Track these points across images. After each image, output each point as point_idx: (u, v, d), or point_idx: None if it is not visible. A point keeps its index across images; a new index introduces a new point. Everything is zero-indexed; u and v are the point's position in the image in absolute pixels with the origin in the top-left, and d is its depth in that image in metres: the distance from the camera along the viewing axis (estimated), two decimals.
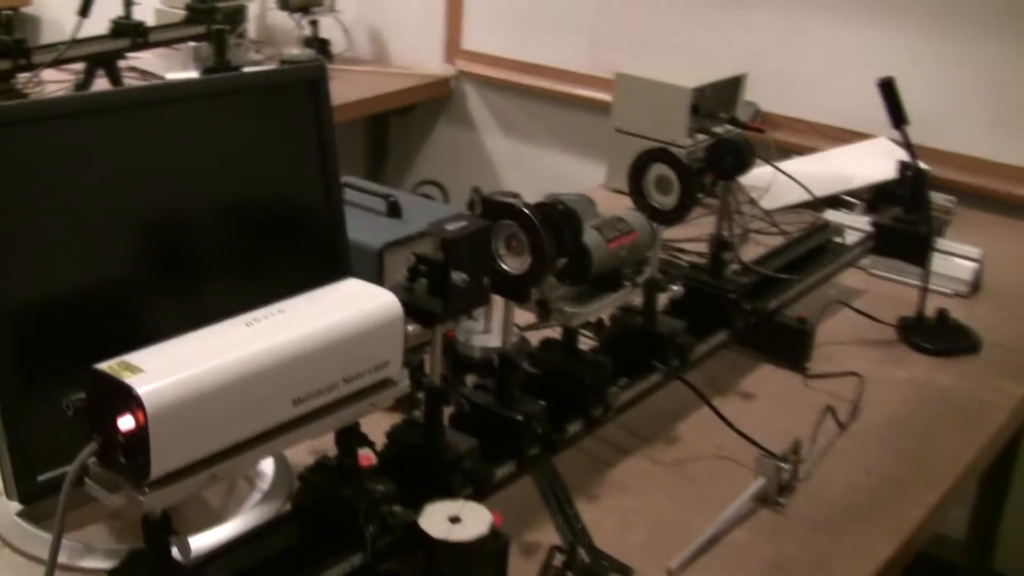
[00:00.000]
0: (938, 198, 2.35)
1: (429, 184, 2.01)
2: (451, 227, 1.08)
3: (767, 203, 2.31)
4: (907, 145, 1.71)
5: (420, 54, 3.42)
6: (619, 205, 2.21)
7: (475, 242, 1.09)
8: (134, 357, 0.86)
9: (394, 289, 1.04)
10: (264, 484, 1.30)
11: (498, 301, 1.22)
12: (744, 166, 1.51)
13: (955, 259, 2.00)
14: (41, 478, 1.10)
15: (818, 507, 1.34)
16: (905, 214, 2.01)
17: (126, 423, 0.82)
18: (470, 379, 1.42)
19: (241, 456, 0.91)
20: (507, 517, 1.13)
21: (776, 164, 2.33)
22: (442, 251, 1.06)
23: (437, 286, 1.07)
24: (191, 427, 0.85)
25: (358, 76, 3.35)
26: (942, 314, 1.80)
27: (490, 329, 1.51)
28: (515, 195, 2.09)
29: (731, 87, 2.40)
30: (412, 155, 3.55)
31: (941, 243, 2.03)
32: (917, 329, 1.79)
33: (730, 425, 1.45)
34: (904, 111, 1.68)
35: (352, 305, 0.99)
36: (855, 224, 2.06)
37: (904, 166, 2.28)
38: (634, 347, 1.43)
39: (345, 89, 3.21)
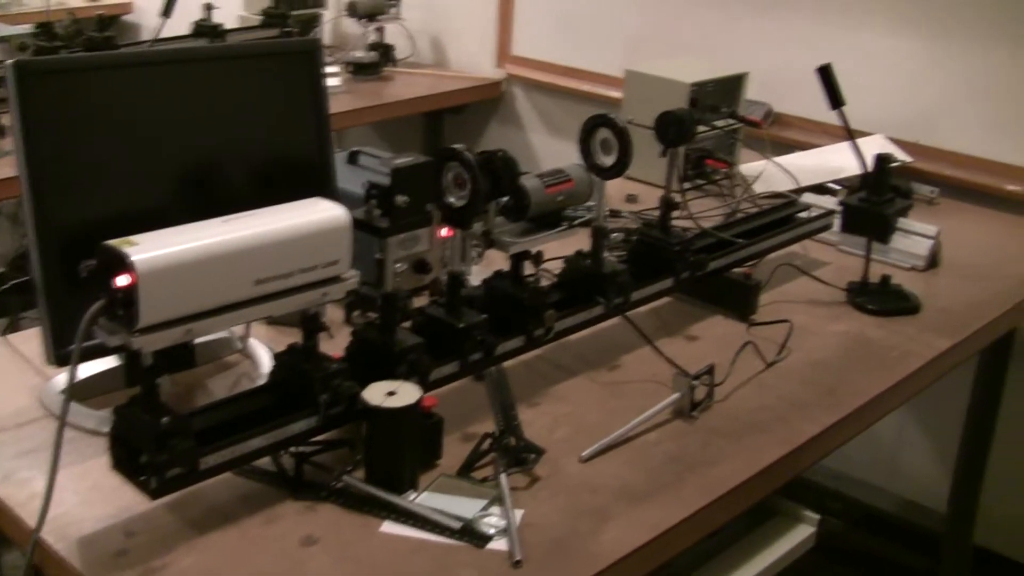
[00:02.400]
0: (922, 188, 2.59)
1: None
2: (400, 161, 1.36)
3: (759, 188, 2.55)
4: (845, 126, 1.94)
5: (475, 59, 3.72)
6: (624, 187, 2.49)
7: (418, 173, 1.37)
8: (135, 237, 1.15)
9: (355, 211, 1.32)
10: (262, 378, 1.59)
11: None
12: (685, 136, 1.76)
13: (913, 236, 2.22)
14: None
15: (726, 420, 1.58)
16: (870, 195, 2.24)
17: (122, 281, 1.12)
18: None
19: (211, 319, 1.19)
20: (456, 413, 1.41)
21: (769, 156, 2.58)
22: (391, 179, 1.34)
23: (384, 207, 1.35)
24: (171, 290, 1.14)
25: (418, 78, 3.65)
26: (884, 280, 2.02)
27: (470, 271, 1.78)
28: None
29: (734, 84, 2.65)
30: None
31: (903, 223, 2.25)
32: (861, 292, 2.02)
33: (656, 349, 1.71)
34: (840, 94, 1.91)
35: (311, 213, 1.28)
36: (825, 205, 2.29)
37: (882, 159, 2.51)
38: (582, 285, 1.69)
39: (405, 88, 3.53)
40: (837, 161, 2.65)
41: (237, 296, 1.21)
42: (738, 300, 1.91)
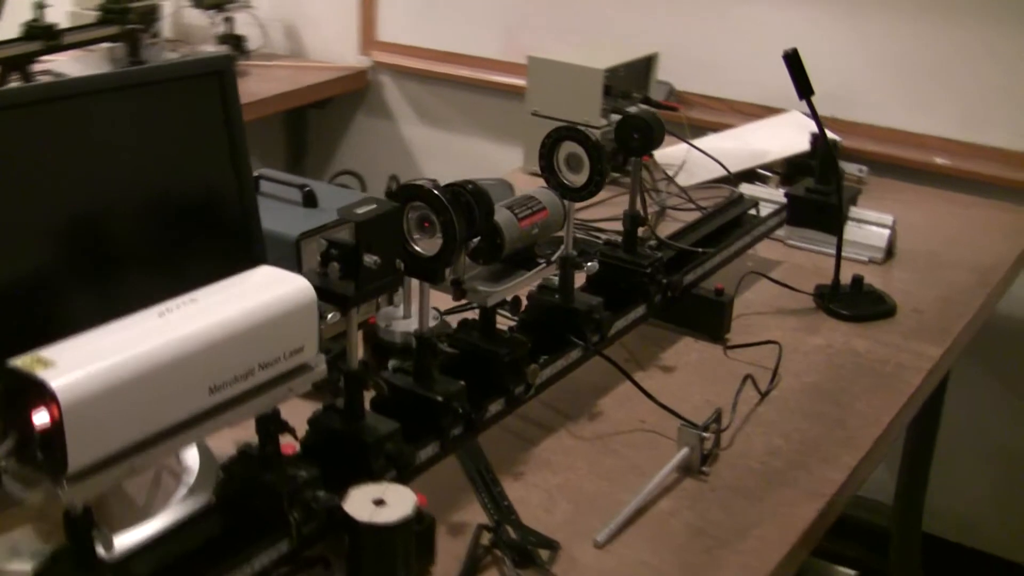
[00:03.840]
0: (850, 168, 2.41)
1: (346, 174, 2.01)
2: (361, 210, 1.08)
3: (683, 180, 2.34)
4: (814, 116, 1.74)
5: (336, 47, 3.41)
6: (534, 184, 2.25)
7: (385, 224, 1.10)
8: (47, 351, 0.86)
9: (307, 275, 1.04)
10: (190, 478, 1.29)
11: (415, 285, 1.23)
12: (652, 143, 1.54)
13: (868, 227, 2.04)
14: None
15: (740, 473, 1.37)
16: (817, 184, 2.06)
17: (40, 418, 0.82)
18: (392, 364, 1.43)
19: (158, 447, 0.91)
20: (433, 498, 1.15)
21: (691, 141, 2.37)
22: (353, 234, 1.07)
23: (349, 269, 1.07)
24: (106, 419, 0.85)
25: (274, 71, 3.33)
26: (857, 281, 1.84)
27: (410, 314, 1.51)
28: (433, 181, 2.11)
29: (643, 67, 2.43)
30: (332, 148, 3.54)
31: (854, 211, 2.07)
32: (833, 296, 1.83)
33: (650, 397, 1.47)
34: (809, 82, 1.71)
35: (265, 291, 1.00)
36: (770, 197, 2.09)
37: (814, 138, 2.33)
38: (552, 324, 1.45)
39: (262, 84, 3.19)
40: (759, 143, 2.47)
41: (188, 411, 0.93)
42: (710, 319, 1.69)
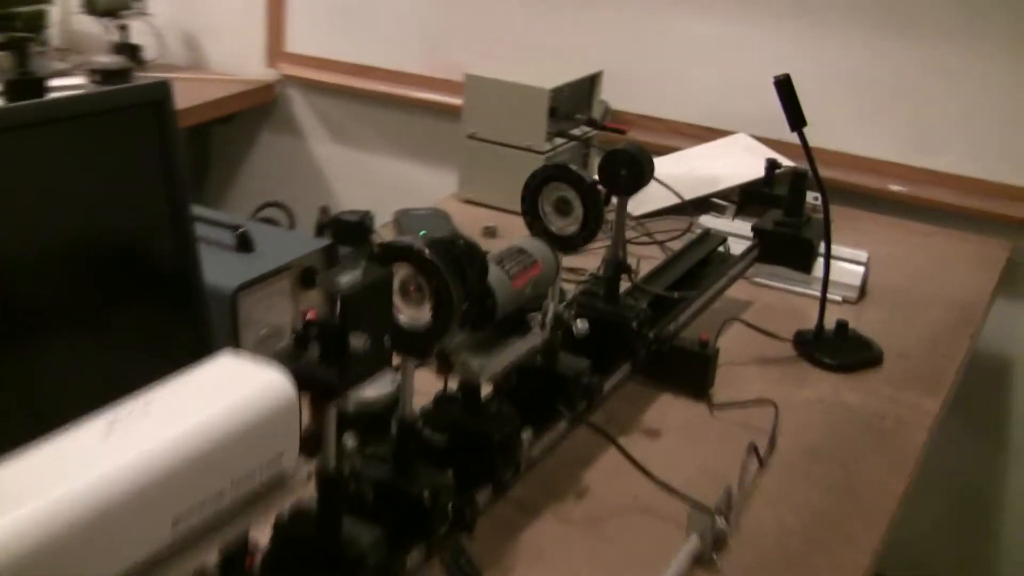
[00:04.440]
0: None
1: (272, 207, 1.81)
2: (345, 279, 0.89)
3: (632, 209, 2.18)
4: (805, 148, 1.59)
5: (240, 58, 3.17)
6: (475, 217, 2.07)
7: (374, 296, 0.90)
8: None
9: (278, 358, 0.84)
10: None
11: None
12: (642, 180, 1.36)
13: (842, 264, 1.90)
14: None
15: (755, 560, 1.20)
16: (786, 218, 1.91)
17: None
18: (348, 438, 1.23)
19: None
20: None
21: None
22: (339, 310, 0.87)
23: (333, 353, 0.88)
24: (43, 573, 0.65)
25: (175, 84, 3.07)
26: (841, 326, 1.69)
27: None
28: (365, 213, 1.91)
29: (587, 86, 2.26)
30: (237, 169, 3.30)
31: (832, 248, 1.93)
32: (816, 343, 1.68)
33: (648, 475, 1.30)
34: (802, 112, 1.55)
35: (232, 390, 0.79)
36: (734, 230, 1.94)
37: (771, 164, 2.19)
38: (536, 391, 1.26)
39: None
40: (709, 168, 2.32)
41: (147, 551, 0.72)
42: (693, 374, 1.52)
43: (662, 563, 1.15)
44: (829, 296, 1.86)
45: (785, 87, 1.52)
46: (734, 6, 2.48)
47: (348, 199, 3.04)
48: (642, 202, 2.19)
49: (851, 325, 1.72)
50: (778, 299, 1.88)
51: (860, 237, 2.09)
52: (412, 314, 0.98)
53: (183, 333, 1.14)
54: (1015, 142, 2.30)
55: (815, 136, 2.46)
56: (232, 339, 1.30)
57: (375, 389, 1.19)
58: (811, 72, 2.45)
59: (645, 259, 1.74)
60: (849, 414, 1.53)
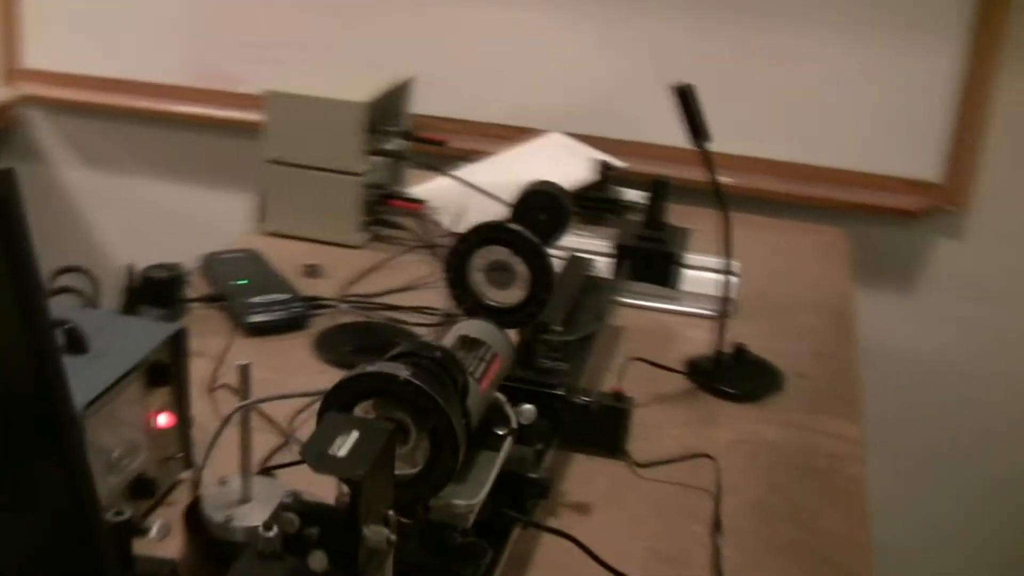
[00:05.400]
0: (630, 195, 2.11)
1: (70, 271, 1.49)
2: (342, 451, 0.64)
3: (458, 226, 1.97)
4: (708, 164, 1.41)
5: None
6: (290, 253, 1.80)
7: (379, 468, 0.66)
8: None
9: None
10: None
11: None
12: (563, 224, 1.16)
13: (707, 274, 1.76)
14: None
15: None
16: (648, 230, 1.75)
17: None
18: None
19: None
20: None
21: (461, 178, 2.01)
22: (349, 500, 0.63)
23: (341, 554, 0.63)
24: None
25: None
26: (740, 350, 1.55)
27: (251, 494, 1.06)
28: (175, 266, 1.62)
29: (398, 95, 2.03)
30: None
31: (697, 259, 1.78)
32: (715, 373, 1.52)
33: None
34: (705, 125, 1.38)
35: None
36: (591, 247, 1.77)
37: (603, 166, 2.03)
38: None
39: None
40: (532, 173, 2.11)
41: None
42: (608, 431, 1.34)
43: None
44: (699, 311, 1.73)
45: (686, 97, 1.34)
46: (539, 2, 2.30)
47: (117, 241, 2.67)
48: (475, 216, 1.98)
49: (732, 342, 1.58)
50: (647, 321, 1.72)
51: (699, 237, 1.95)
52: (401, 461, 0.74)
53: (50, 477, 0.86)
54: (839, 127, 2.23)
55: (638, 130, 2.34)
56: None
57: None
58: (628, 62, 2.31)
59: None
60: (777, 454, 1.39)
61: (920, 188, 2.26)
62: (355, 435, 0.65)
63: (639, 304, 1.75)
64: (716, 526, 1.20)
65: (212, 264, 1.71)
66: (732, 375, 1.53)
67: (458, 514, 0.84)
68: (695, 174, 2.16)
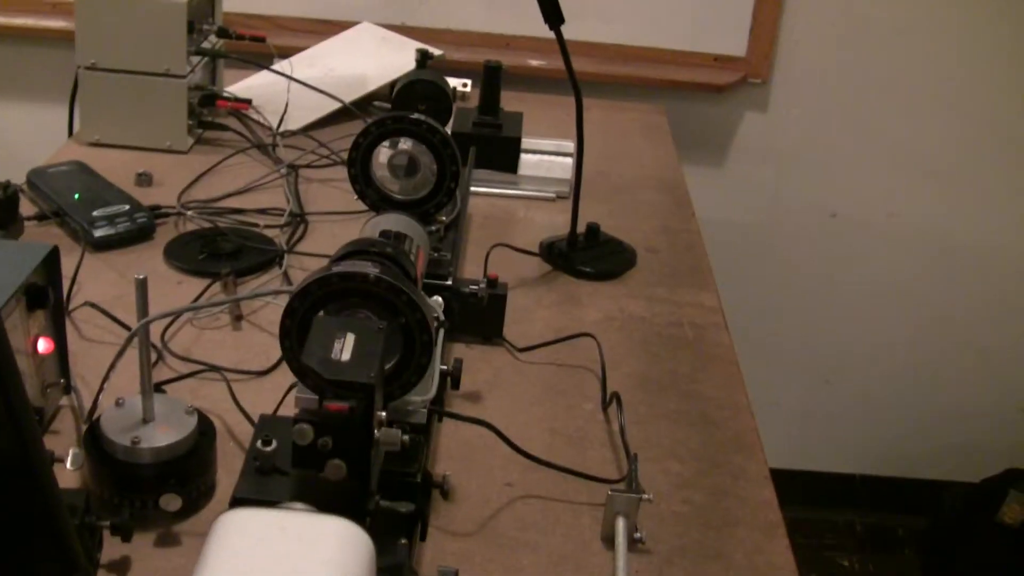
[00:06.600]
0: (452, 82, 2.11)
1: None
2: (338, 350, 0.63)
3: (286, 123, 1.92)
4: (562, 47, 1.41)
5: None
6: (119, 163, 1.72)
7: (380, 370, 0.65)
8: None
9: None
10: None
11: None
12: (446, 113, 1.14)
13: (548, 158, 1.78)
14: None
15: (673, 526, 1.08)
16: (483, 116, 1.75)
17: None
18: (170, 501, 0.95)
19: None
20: None
21: (286, 74, 1.95)
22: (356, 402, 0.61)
23: (356, 461, 0.62)
24: None
25: None
26: (593, 229, 1.57)
27: (153, 412, 1.02)
28: (5, 184, 1.51)
29: None
30: None
31: (527, 142, 1.80)
32: (572, 254, 1.55)
33: (546, 464, 1.12)
34: (560, 8, 1.38)
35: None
36: None
37: (424, 55, 2.02)
38: None
39: None
40: (351, 66, 2.09)
41: None
42: (485, 318, 1.35)
43: (588, 556, 1.00)
44: (540, 194, 1.75)
45: None
46: None
47: None
48: (297, 117, 1.93)
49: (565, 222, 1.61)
50: (490, 206, 1.72)
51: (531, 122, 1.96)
52: None
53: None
54: (651, 8, 2.27)
55: (439, 17, 2.31)
56: None
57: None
58: None
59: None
60: (646, 328, 1.43)
61: (727, 63, 2.33)
62: (352, 337, 0.63)
63: (481, 191, 1.75)
64: (611, 401, 1.22)
65: (40, 179, 1.61)
66: (587, 255, 1.55)
67: (411, 410, 0.83)
68: (503, 56, 2.18)
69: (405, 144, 0.98)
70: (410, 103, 1.13)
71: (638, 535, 1.04)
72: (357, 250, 0.75)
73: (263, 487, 0.62)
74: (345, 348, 0.61)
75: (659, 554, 1.04)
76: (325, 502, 0.58)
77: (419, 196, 0.99)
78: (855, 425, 2.77)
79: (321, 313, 0.69)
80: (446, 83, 1.16)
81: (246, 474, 0.63)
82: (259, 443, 0.64)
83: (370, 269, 0.70)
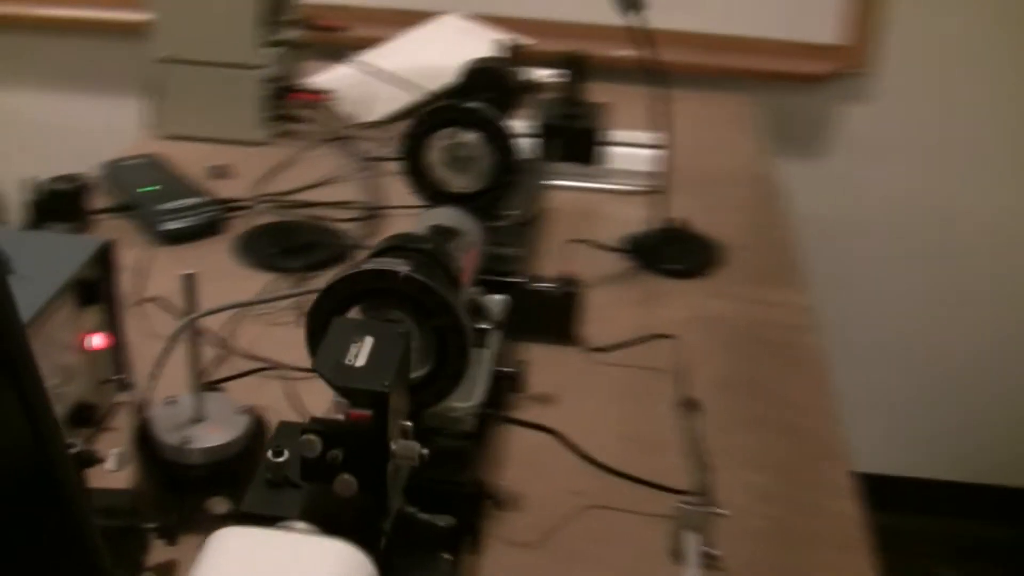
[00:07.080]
0: (538, 74, 2.04)
1: None
2: (353, 354, 0.58)
3: (366, 116, 1.88)
4: (646, 36, 1.34)
5: None
6: (194, 156, 1.70)
7: (400, 377, 0.60)
8: None
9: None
10: None
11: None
12: (513, 100, 1.09)
13: (636, 150, 1.71)
14: None
15: (749, 541, 1.01)
16: (568, 108, 1.69)
17: None
18: (218, 504, 0.91)
19: None
20: None
21: (363, 65, 1.91)
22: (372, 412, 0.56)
23: (370, 474, 0.57)
24: None
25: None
26: (678, 225, 1.51)
27: (206, 412, 0.99)
28: (76, 177, 1.50)
29: None
30: None
31: (618, 135, 1.73)
32: (657, 250, 1.48)
33: (615, 472, 1.06)
34: None
35: None
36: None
37: (515, 46, 1.95)
38: None
39: None
40: (431, 58, 2.04)
41: None
42: (558, 318, 1.29)
43: (657, 572, 0.94)
44: (627, 187, 1.69)
45: None
46: None
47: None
48: (373, 109, 1.89)
49: (666, 217, 1.54)
50: (571, 202, 1.66)
51: (627, 116, 1.89)
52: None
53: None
54: None
55: (514, 4, 2.26)
56: None
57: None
58: None
59: None
60: (731, 328, 1.35)
61: (824, 52, 2.23)
62: (369, 341, 0.58)
63: (566, 185, 1.69)
64: (689, 406, 1.16)
65: (114, 172, 1.59)
66: (673, 251, 1.49)
67: (456, 418, 0.78)
68: (592, 47, 2.11)
69: (459, 134, 0.92)
70: (474, 92, 1.07)
71: (713, 551, 0.98)
72: (394, 245, 0.70)
73: (272, 501, 0.57)
74: (361, 353, 0.56)
75: (734, 572, 0.97)
76: (336, 519, 0.53)
77: (477, 189, 0.94)
78: (958, 431, 2.65)
79: (353, 312, 0.64)
80: (514, 71, 1.10)
81: (256, 486, 0.59)
82: (270, 453, 0.59)
83: (401, 267, 0.64)
